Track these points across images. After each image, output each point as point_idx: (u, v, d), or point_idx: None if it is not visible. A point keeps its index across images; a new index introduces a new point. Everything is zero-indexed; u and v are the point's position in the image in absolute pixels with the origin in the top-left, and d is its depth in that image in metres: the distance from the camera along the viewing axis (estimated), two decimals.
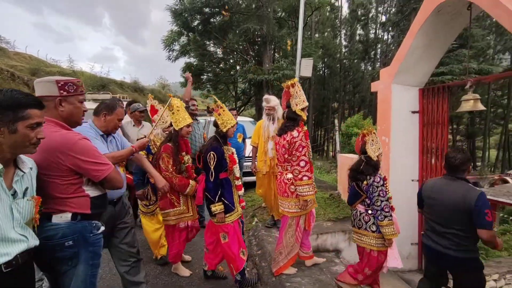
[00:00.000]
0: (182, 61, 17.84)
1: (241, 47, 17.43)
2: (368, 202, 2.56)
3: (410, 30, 3.54)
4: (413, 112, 3.86)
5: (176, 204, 2.86)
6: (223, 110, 2.71)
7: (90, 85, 16.22)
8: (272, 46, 16.51)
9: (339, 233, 3.84)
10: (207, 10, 14.80)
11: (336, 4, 24.40)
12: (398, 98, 3.83)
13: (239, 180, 2.86)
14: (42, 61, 17.89)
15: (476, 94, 2.83)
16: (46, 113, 1.42)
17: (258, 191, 4.08)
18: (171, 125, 2.90)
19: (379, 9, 23.49)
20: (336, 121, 6.94)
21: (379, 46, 23.55)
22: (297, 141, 2.52)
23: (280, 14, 16.90)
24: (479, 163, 23.73)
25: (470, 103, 2.81)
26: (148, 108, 3.38)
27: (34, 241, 1.34)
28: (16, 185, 1.29)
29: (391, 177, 3.76)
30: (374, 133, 2.59)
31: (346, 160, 5.23)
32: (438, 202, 2.36)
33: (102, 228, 1.68)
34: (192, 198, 2.96)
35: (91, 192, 1.63)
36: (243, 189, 2.90)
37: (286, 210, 2.77)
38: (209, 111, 4.67)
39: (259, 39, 14.79)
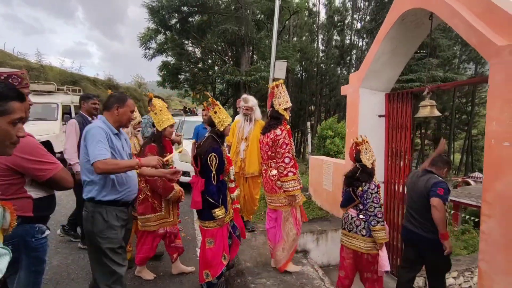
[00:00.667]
0: (159, 59, 17.48)
1: (219, 47, 17.34)
2: (361, 207, 2.66)
3: (377, 37, 3.67)
4: (380, 116, 3.99)
5: (157, 209, 2.76)
6: (219, 108, 2.57)
7: (60, 81, 15.47)
8: (250, 47, 16.54)
9: (308, 234, 3.89)
10: (185, 8, 14.58)
11: (314, 9, 24.90)
12: (366, 102, 3.95)
13: (233, 182, 2.79)
14: (8, 54, 16.86)
15: (433, 101, 2.97)
16: None
17: None
18: (153, 125, 2.79)
19: (355, 16, 24.23)
20: (308, 123, 7.06)
21: (354, 52, 24.25)
22: (280, 138, 2.57)
23: (259, 16, 16.97)
24: None
25: (427, 109, 2.95)
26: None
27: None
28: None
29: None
30: (367, 142, 2.70)
31: (317, 161, 5.32)
32: (411, 191, 2.84)
33: (47, 232, 1.59)
34: (174, 203, 2.88)
35: (34, 193, 1.53)
36: (237, 191, 2.84)
37: (278, 204, 2.77)
38: (186, 111, 4.54)
39: (237, 40, 14.76)
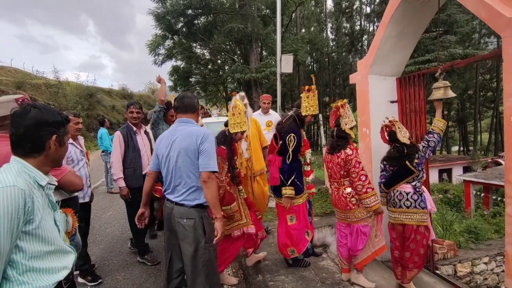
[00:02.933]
0: (169, 64, 17.78)
1: (227, 47, 17.38)
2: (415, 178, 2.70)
3: (382, 20, 3.53)
4: (392, 102, 3.84)
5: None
6: (313, 96, 2.76)
7: (77, 95, 16.07)
8: (259, 44, 16.46)
9: (326, 227, 3.83)
10: (190, 12, 14.70)
11: None
12: (376, 88, 3.81)
13: (309, 166, 2.94)
14: (27, 73, 17.74)
15: (446, 82, 2.82)
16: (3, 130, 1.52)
17: None
18: (226, 125, 2.80)
19: (363, 0, 23.54)
20: (320, 115, 6.93)
21: (365, 37, 23.61)
22: (352, 158, 2.62)
23: (264, 11, 16.84)
24: (471, 147, 23.91)
25: (441, 90, 2.80)
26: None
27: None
28: (52, 197, 1.30)
29: (373, 168, 3.75)
30: (396, 121, 2.81)
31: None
32: None
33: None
34: (244, 205, 2.80)
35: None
36: (312, 175, 2.97)
37: (354, 220, 2.77)
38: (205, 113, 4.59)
39: (244, 38, 14.72)
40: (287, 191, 2.64)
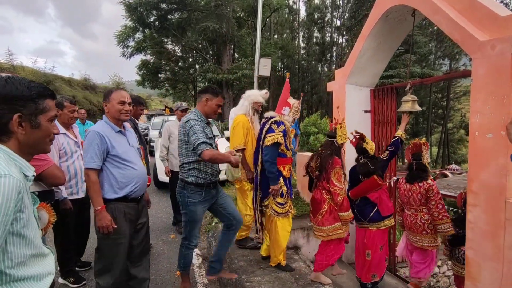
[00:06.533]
0: (138, 58, 17.06)
1: (200, 45, 17.13)
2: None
3: (362, 33, 3.71)
4: (366, 111, 4.05)
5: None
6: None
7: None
8: (232, 45, 16.43)
9: (298, 230, 3.90)
10: (163, 6, 14.28)
11: (294, 6, 25.08)
12: (352, 97, 3.99)
13: None
14: None
15: (414, 96, 3.05)
16: None
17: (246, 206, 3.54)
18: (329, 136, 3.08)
19: (334, 13, 24.58)
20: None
21: (334, 49, 24.63)
22: (434, 189, 2.90)
23: (239, 13, 16.88)
24: None
25: (409, 104, 3.03)
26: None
27: None
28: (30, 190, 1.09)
29: (347, 173, 3.91)
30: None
31: (304, 158, 5.34)
32: None
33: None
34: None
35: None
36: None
37: (427, 244, 3.01)
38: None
39: (218, 38, 14.61)
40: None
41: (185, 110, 4.41)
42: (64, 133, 2.77)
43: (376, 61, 3.85)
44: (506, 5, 18.25)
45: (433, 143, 31.37)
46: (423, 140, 3.20)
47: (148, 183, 3.37)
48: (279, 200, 2.87)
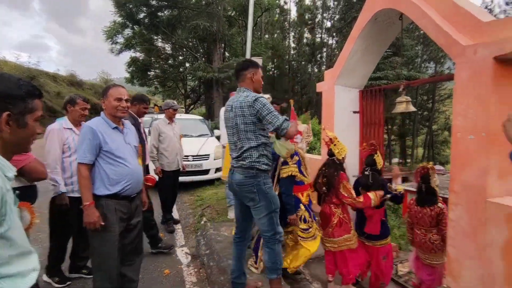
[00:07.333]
0: (127, 55, 16.83)
1: (190, 44, 17.00)
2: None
3: (351, 35, 3.78)
4: (354, 112, 4.13)
5: (350, 226, 2.91)
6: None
7: None
8: (222, 44, 16.38)
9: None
10: (154, 2, 14.12)
11: (285, 7, 25.13)
12: (341, 98, 4.06)
13: None
14: None
15: (408, 97, 3.12)
16: None
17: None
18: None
19: (324, 15, 24.78)
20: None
21: (324, 50, 24.82)
22: (445, 212, 2.88)
23: (230, 12, 16.84)
24: (409, 160, 26.45)
25: (403, 104, 3.10)
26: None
27: None
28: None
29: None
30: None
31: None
32: None
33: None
34: None
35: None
36: None
37: (435, 262, 2.96)
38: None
39: (209, 36, 14.54)
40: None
41: (176, 110, 4.44)
42: (71, 129, 2.77)
43: (365, 62, 3.93)
44: (490, 10, 18.80)
45: (418, 144, 32.10)
46: (431, 164, 3.19)
47: (152, 184, 3.35)
48: (303, 226, 2.89)
